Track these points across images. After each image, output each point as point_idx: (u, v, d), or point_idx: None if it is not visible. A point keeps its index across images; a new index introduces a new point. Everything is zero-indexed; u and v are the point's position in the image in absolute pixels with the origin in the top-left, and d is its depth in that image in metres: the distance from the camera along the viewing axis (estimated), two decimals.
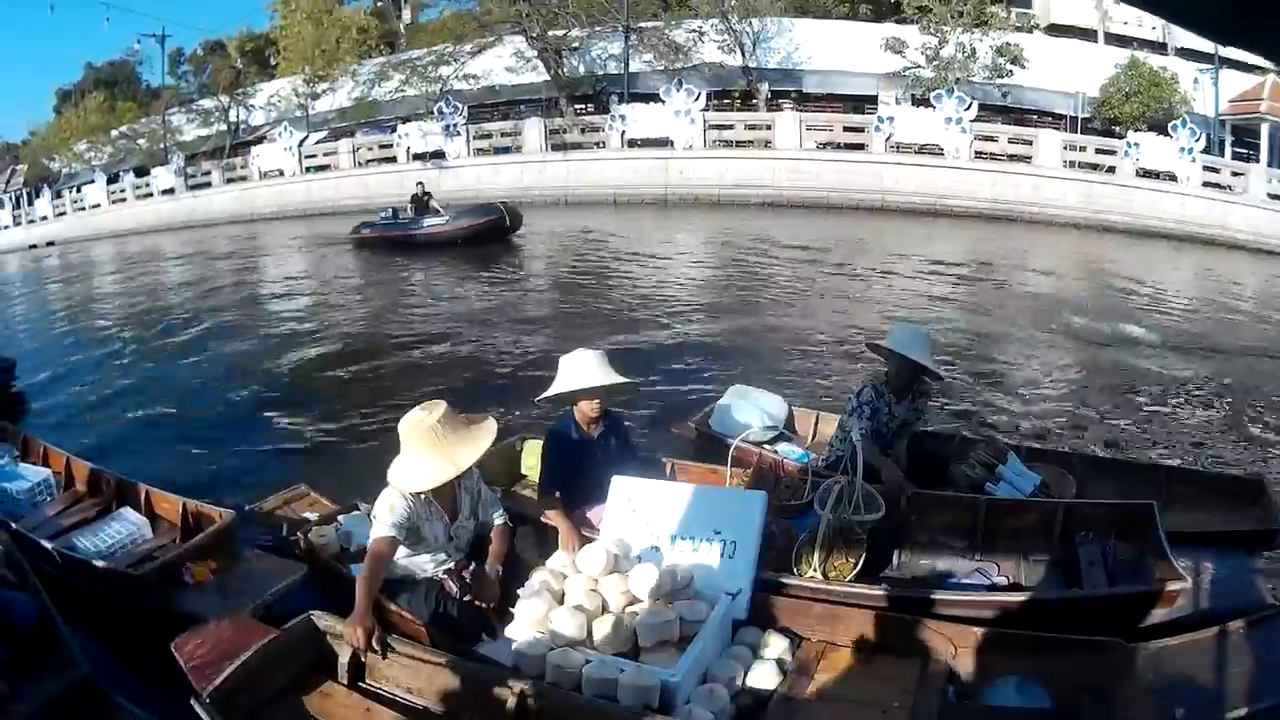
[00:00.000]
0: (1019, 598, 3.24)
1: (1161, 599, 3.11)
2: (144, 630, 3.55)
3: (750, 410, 5.14)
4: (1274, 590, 3.79)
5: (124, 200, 33.44)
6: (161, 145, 33.20)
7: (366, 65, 29.14)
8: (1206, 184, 25.69)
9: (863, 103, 25.43)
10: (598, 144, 24.58)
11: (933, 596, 3.16)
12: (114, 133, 34.95)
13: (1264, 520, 4.07)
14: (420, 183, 18.88)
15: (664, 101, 23.92)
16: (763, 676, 2.78)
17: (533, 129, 24.94)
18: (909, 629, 2.89)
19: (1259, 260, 22.66)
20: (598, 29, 26.15)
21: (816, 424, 5.35)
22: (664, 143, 23.83)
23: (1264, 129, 29.40)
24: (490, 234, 16.66)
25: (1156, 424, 6.94)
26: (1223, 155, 28.66)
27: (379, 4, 33.54)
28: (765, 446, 4.83)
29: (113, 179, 34.38)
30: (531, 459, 4.52)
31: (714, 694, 2.64)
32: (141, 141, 34.02)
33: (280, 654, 2.79)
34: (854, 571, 3.30)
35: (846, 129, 24.09)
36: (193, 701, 2.52)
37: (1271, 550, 4.07)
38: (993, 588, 3.50)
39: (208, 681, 2.60)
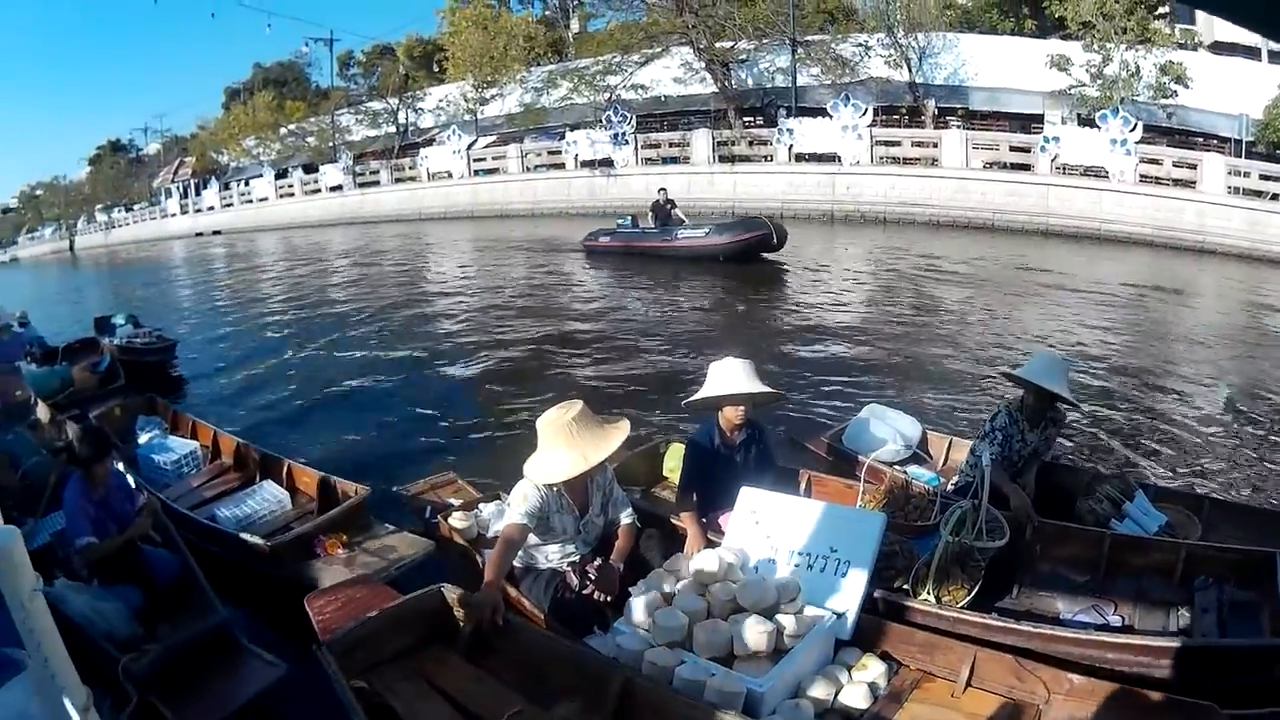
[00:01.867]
0: (1131, 641, 3.14)
1: (1273, 654, 3.02)
2: (278, 594, 3.90)
3: (884, 430, 5.22)
4: None
5: (291, 195, 35.70)
6: (330, 144, 35.33)
7: (535, 72, 30.52)
8: None
9: (1029, 121, 25.59)
10: (765, 157, 25.42)
11: (1039, 631, 3.14)
12: (282, 130, 37.26)
13: None
14: (663, 189, 17.69)
15: (831, 116, 24.57)
16: (853, 697, 2.80)
17: (700, 140, 25.98)
18: (1006, 668, 2.88)
19: None
20: (764, 41, 26.89)
21: (949, 449, 5.37)
22: (831, 158, 24.56)
23: None
24: (756, 250, 15.30)
25: None
26: None
27: (547, 13, 34.92)
28: (896, 467, 4.88)
29: (281, 174, 36.73)
30: (674, 461, 4.73)
31: (799, 708, 2.68)
32: (310, 139, 36.22)
33: (405, 618, 2.94)
34: (968, 598, 3.32)
35: (1013, 148, 24.34)
36: (315, 649, 2.70)
37: None
38: (1105, 627, 3.44)
39: (332, 635, 2.79)
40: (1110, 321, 12.27)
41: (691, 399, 4.00)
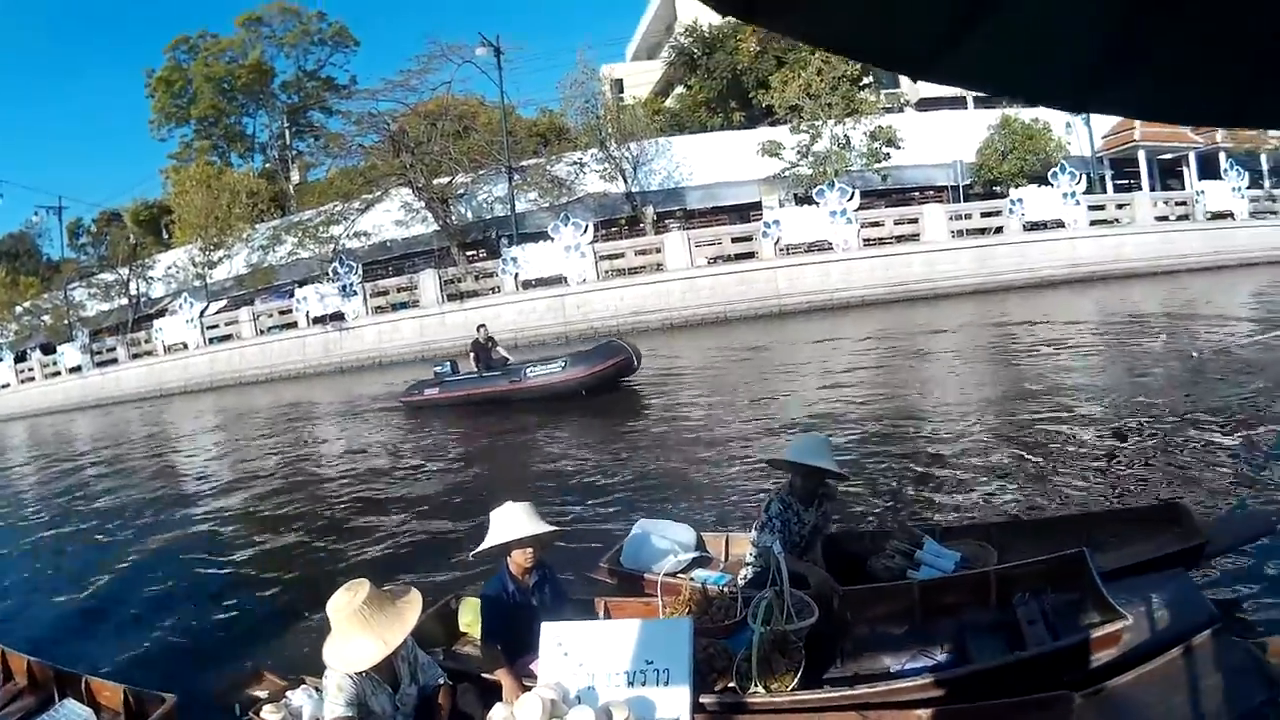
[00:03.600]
0: (963, 672, 3.27)
1: (1107, 641, 3.18)
2: None
3: (660, 541, 5.19)
4: (1214, 599, 3.92)
5: (32, 379, 32.98)
6: (65, 321, 32.75)
7: (260, 229, 29.01)
8: (1094, 222, 26.46)
9: (748, 210, 25.87)
10: (493, 289, 24.60)
11: (878, 689, 3.23)
12: (18, 309, 34.42)
13: (1189, 538, 4.22)
14: (482, 325, 15.59)
15: (553, 238, 24.07)
16: None
17: (428, 281, 24.90)
18: None
19: (1155, 283, 23.36)
20: (481, 172, 26.37)
21: (728, 545, 5.39)
22: (557, 280, 23.93)
23: (1141, 156, 30.44)
24: (617, 377, 13.86)
25: (1074, 474, 7.05)
26: (1105, 191, 29.62)
27: (267, 165, 33.42)
28: (682, 575, 4.84)
29: (19, 357, 33.93)
30: (469, 615, 4.67)
31: None
32: (46, 318, 33.51)
33: None
34: (796, 679, 3.33)
35: (735, 239, 24.37)
36: None
37: (1203, 563, 4.35)
38: (938, 667, 3.52)
39: None
40: (860, 381, 12.59)
41: (479, 549, 3.95)
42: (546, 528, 3.91)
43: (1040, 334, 15.60)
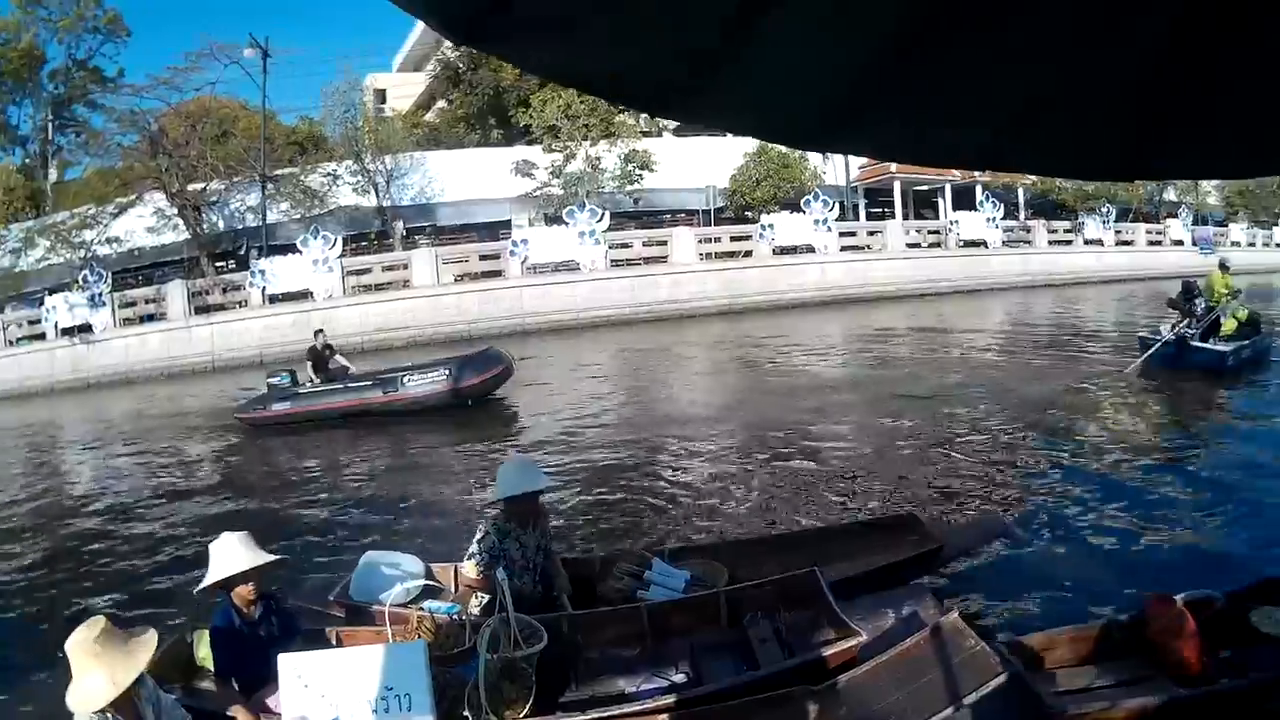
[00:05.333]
0: (699, 692, 3.33)
1: (840, 656, 3.32)
2: None
3: (389, 572, 5.16)
4: (949, 598, 4.36)
5: None
6: None
7: (12, 230, 27.91)
8: (846, 248, 28.27)
9: (498, 229, 26.57)
10: (240, 303, 24.54)
11: (611, 712, 3.27)
12: None
13: (925, 543, 4.53)
14: (320, 330, 14.50)
15: (301, 252, 24.19)
16: None
17: (175, 292, 24.56)
18: None
19: (903, 305, 25.29)
20: (236, 180, 26.12)
21: (456, 575, 5.32)
22: (305, 295, 24.15)
23: (896, 187, 32.79)
24: (496, 388, 13.13)
25: (812, 490, 7.28)
26: (858, 219, 31.77)
27: (27, 160, 32.03)
28: (412, 606, 4.85)
29: None
30: (205, 650, 4.52)
31: None
32: None
33: None
34: (527, 706, 3.38)
35: (482, 257, 25.08)
36: None
37: (941, 567, 4.67)
38: (672, 688, 3.59)
39: None
40: (597, 401, 12.56)
41: (201, 585, 3.85)
42: (266, 558, 3.88)
43: (782, 354, 16.38)
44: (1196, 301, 12.10)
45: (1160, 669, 3.55)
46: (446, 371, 12.79)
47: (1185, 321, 11.91)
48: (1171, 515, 6.30)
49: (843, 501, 6.98)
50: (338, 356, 13.81)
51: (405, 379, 12.85)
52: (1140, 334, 13.10)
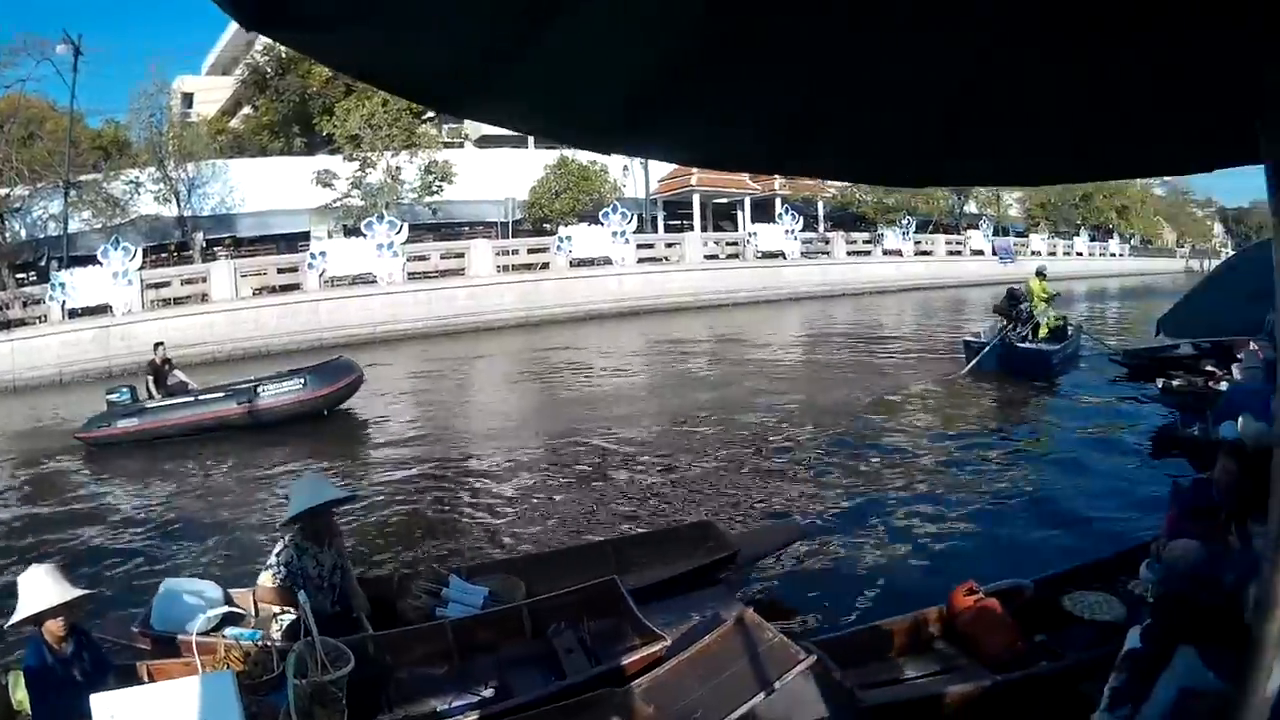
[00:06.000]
0: (508, 705, 3.35)
1: (646, 659, 3.43)
2: None
3: (189, 600, 5.05)
4: (744, 596, 4.64)
5: None
6: None
7: None
8: (643, 260, 29.61)
9: (298, 240, 26.98)
10: (39, 318, 24.16)
11: None
12: None
13: (720, 549, 4.79)
14: (160, 343, 14.11)
15: (101, 263, 24.11)
16: None
17: None
18: None
19: (699, 315, 26.58)
20: (39, 186, 25.73)
21: (255, 600, 5.26)
22: (105, 309, 24.21)
23: (695, 200, 34.99)
24: (348, 397, 13.26)
25: (610, 500, 7.42)
26: (657, 231, 33.68)
27: None
28: (216, 634, 4.73)
29: None
30: (22, 692, 4.31)
31: None
32: None
33: None
34: None
35: (280, 270, 25.49)
36: None
37: (737, 571, 4.89)
38: (482, 703, 3.60)
39: None
40: (388, 417, 12.70)
41: (10, 622, 3.69)
42: (76, 592, 3.68)
43: (579, 366, 16.71)
44: (1022, 307, 13.16)
45: (973, 658, 3.69)
46: (301, 381, 12.79)
47: (1010, 325, 12.95)
48: (982, 510, 6.60)
49: (640, 511, 7.07)
50: (177, 371, 13.67)
51: (260, 389, 12.73)
52: (965, 338, 14.22)
